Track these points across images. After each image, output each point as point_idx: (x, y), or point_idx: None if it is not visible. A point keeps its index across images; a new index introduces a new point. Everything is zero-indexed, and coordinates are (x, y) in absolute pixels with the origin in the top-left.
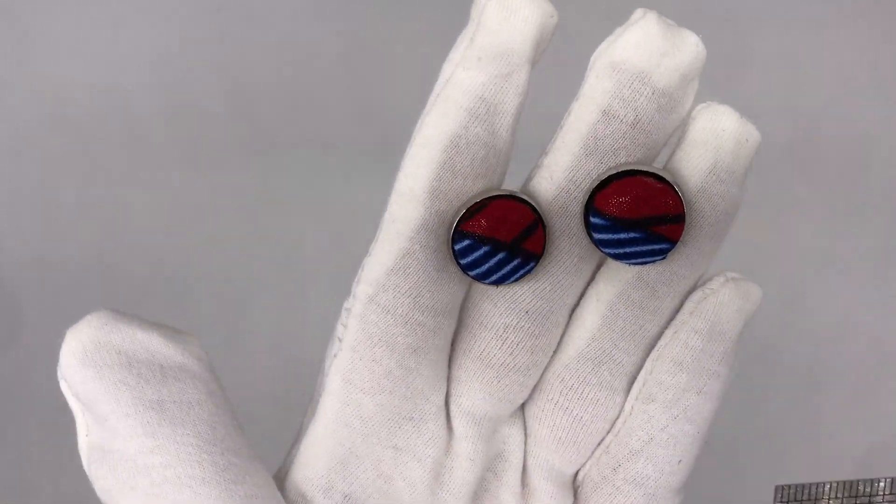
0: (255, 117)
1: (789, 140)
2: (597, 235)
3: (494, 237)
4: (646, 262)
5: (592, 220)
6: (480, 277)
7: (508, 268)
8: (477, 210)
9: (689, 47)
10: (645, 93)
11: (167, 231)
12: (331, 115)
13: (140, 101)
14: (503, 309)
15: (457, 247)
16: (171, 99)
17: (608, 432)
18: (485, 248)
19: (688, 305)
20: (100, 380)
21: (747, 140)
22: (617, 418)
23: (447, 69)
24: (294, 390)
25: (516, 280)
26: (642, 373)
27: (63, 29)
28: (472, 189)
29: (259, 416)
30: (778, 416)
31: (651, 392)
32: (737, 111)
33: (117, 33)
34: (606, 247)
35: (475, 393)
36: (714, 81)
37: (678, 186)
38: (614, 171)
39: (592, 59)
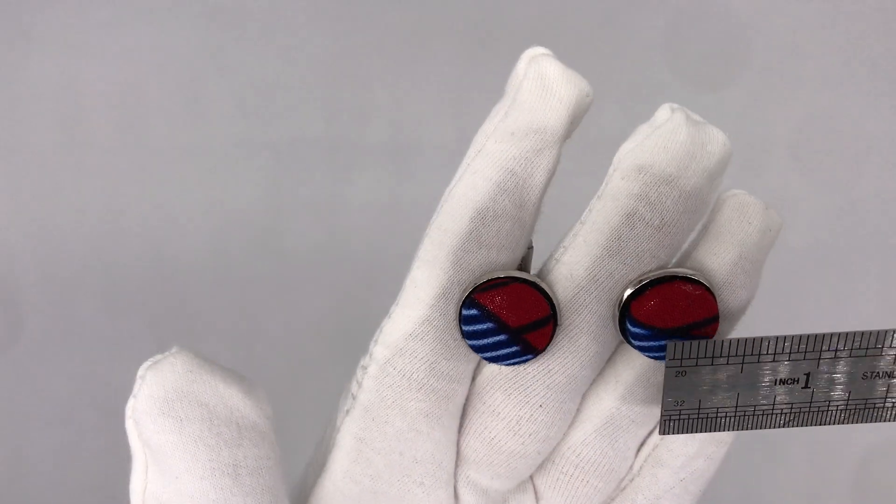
0: (256, 117)
1: (790, 140)
2: (637, 343)
3: (501, 318)
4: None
5: (632, 328)
6: (475, 349)
7: (504, 352)
8: (495, 286)
9: (716, 147)
10: (672, 196)
11: (167, 231)
12: (331, 116)
13: (140, 101)
14: (515, 401)
15: (464, 312)
16: (172, 99)
17: (619, 486)
18: (489, 325)
19: None
20: (179, 434)
21: (770, 230)
22: (625, 476)
23: (479, 140)
24: (295, 392)
25: (510, 365)
26: (653, 437)
27: (63, 29)
28: (495, 261)
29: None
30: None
31: (661, 457)
32: (761, 201)
33: (118, 33)
34: (648, 352)
35: (484, 472)
36: (713, 82)
37: (712, 288)
38: (649, 279)
39: (617, 158)
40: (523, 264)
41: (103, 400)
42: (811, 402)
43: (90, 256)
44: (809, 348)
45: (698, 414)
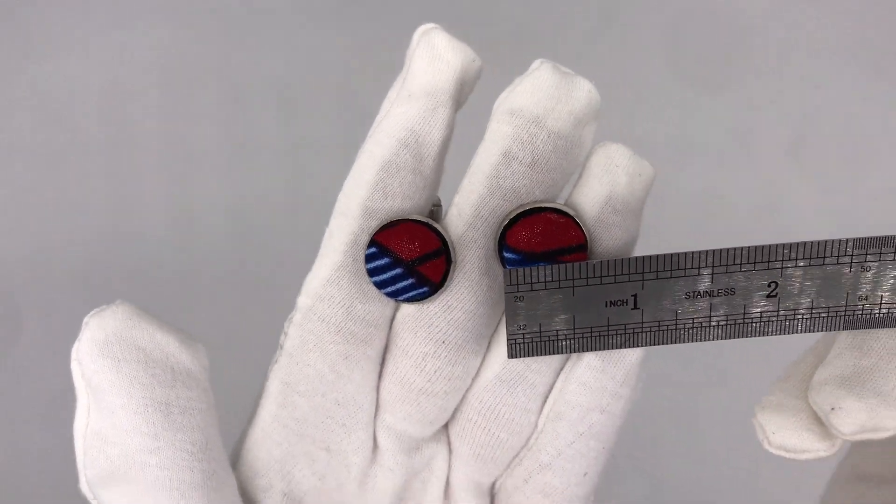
0: (255, 118)
1: (790, 140)
2: (510, 268)
3: (395, 251)
4: None
5: (506, 255)
6: (378, 285)
7: (401, 285)
8: (391, 226)
9: (581, 93)
10: (541, 136)
11: (167, 231)
12: (331, 116)
13: (140, 102)
14: (422, 338)
15: (366, 252)
16: (171, 99)
17: (523, 447)
18: (386, 259)
19: None
20: (116, 372)
21: (640, 174)
22: (531, 434)
23: (385, 106)
24: None
25: (410, 300)
26: (553, 392)
27: (64, 29)
28: (400, 209)
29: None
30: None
31: (559, 410)
32: (630, 148)
33: (117, 34)
34: None
35: (397, 412)
36: (713, 82)
37: (579, 219)
38: (521, 210)
39: (495, 106)
40: (432, 218)
41: None
42: (642, 323)
43: (90, 256)
44: (634, 270)
45: (540, 337)
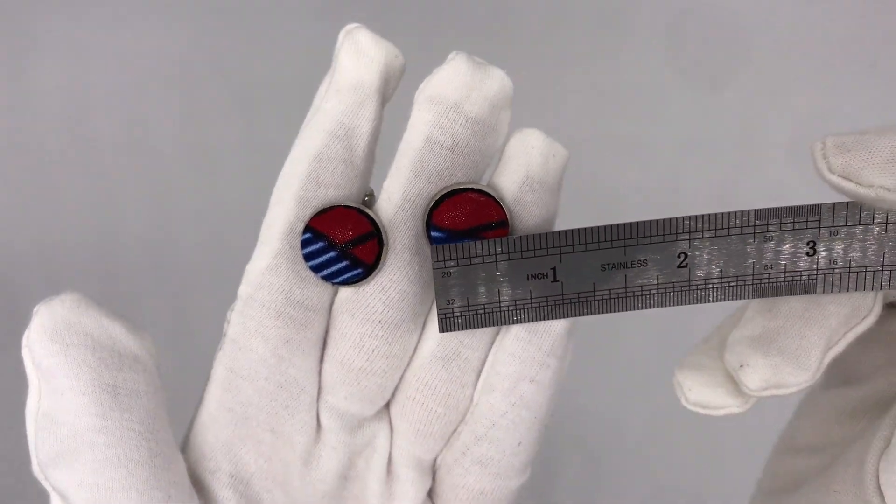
0: (256, 117)
1: (789, 140)
2: (437, 245)
3: (328, 235)
4: None
5: (433, 234)
6: (314, 269)
7: (336, 267)
8: (324, 212)
9: (494, 80)
10: (460, 121)
11: (167, 231)
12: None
13: (140, 102)
14: (359, 320)
15: (301, 237)
16: (172, 99)
17: (460, 421)
18: (320, 244)
19: None
20: (64, 356)
21: (554, 155)
22: (468, 408)
23: (315, 102)
24: None
25: (345, 282)
26: (486, 366)
27: (65, 31)
28: (333, 198)
29: None
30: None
31: (492, 382)
32: (543, 132)
33: (119, 35)
34: None
35: (338, 393)
36: (713, 82)
37: (499, 198)
38: (445, 191)
39: (416, 94)
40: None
41: None
42: (563, 295)
43: (90, 256)
44: (552, 245)
45: (468, 311)
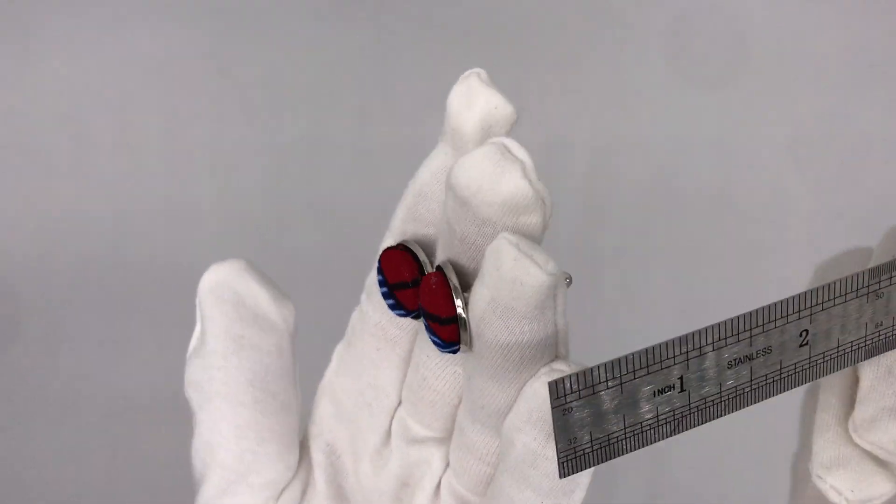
0: (256, 117)
1: (789, 140)
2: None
3: (383, 271)
4: (439, 350)
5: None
6: (382, 295)
7: (388, 302)
8: (392, 248)
9: (507, 185)
10: (467, 217)
11: (167, 231)
12: (330, 116)
13: (140, 102)
14: (419, 350)
15: (377, 264)
16: (172, 100)
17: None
18: (380, 277)
19: (524, 389)
20: (214, 308)
21: (523, 283)
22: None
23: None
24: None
25: (398, 315)
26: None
27: (64, 31)
28: (424, 234)
29: None
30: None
31: (502, 461)
32: (516, 248)
33: (118, 35)
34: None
35: (405, 408)
36: (713, 82)
37: (458, 296)
38: (436, 267)
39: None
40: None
41: (103, 400)
42: (689, 405)
43: (90, 256)
44: (676, 352)
45: (591, 447)
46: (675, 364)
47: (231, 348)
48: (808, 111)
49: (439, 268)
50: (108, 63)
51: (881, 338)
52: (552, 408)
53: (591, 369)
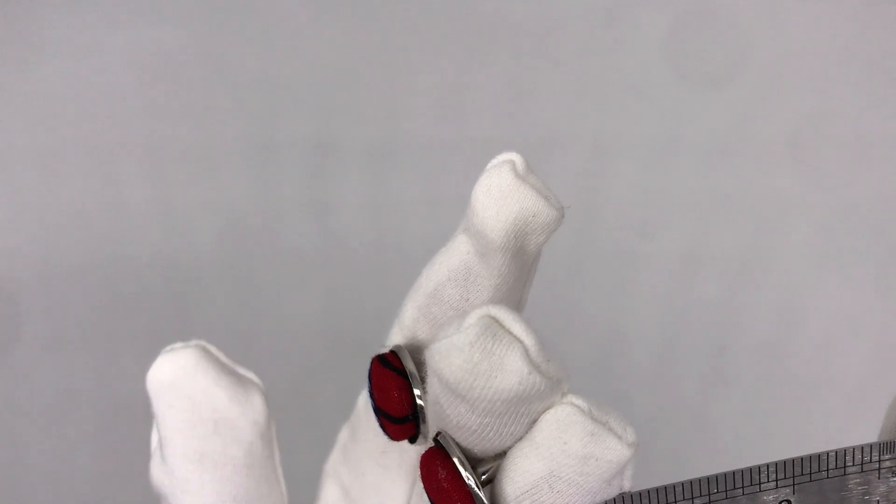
0: (255, 117)
1: (790, 140)
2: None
3: (371, 388)
4: None
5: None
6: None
7: (375, 417)
8: (386, 365)
9: (506, 381)
10: (462, 408)
11: (166, 231)
12: (328, 116)
13: (140, 102)
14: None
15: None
16: (171, 99)
17: None
18: (368, 384)
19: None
20: (164, 417)
21: (597, 458)
22: None
23: (458, 229)
24: (290, 391)
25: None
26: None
27: (63, 30)
28: (436, 337)
29: None
30: (777, 418)
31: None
32: (591, 420)
33: (118, 34)
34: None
35: None
36: (713, 81)
37: (476, 488)
38: (434, 439)
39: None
40: None
41: (103, 400)
42: None
43: (90, 256)
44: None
45: None
46: None
47: (191, 469)
48: (809, 111)
49: (435, 440)
50: (107, 63)
51: None
52: None
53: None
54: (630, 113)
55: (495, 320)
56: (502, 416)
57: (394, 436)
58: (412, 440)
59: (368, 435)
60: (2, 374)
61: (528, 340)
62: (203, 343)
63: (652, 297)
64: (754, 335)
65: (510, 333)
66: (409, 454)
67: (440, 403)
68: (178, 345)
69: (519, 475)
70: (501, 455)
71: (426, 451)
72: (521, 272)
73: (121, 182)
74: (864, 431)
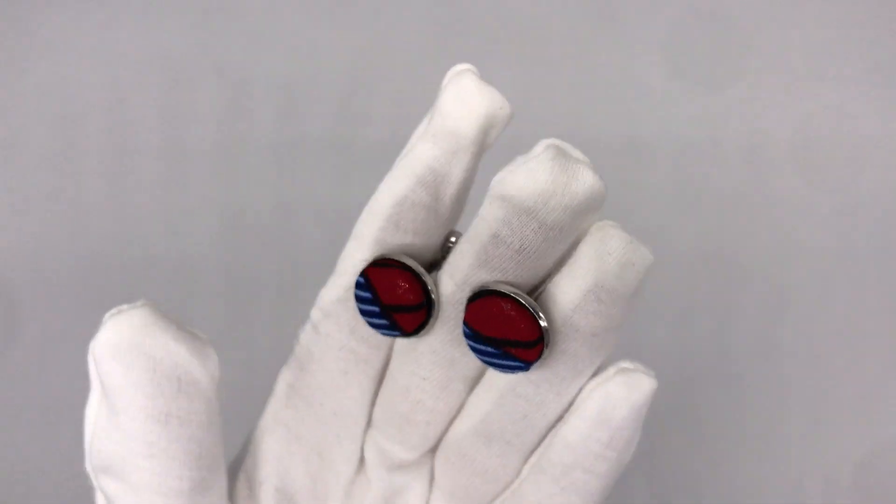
0: (256, 117)
1: (789, 140)
2: (467, 342)
3: (377, 290)
4: (508, 372)
5: (464, 327)
6: (360, 312)
7: (377, 322)
8: (384, 265)
9: (581, 186)
10: (532, 226)
11: (167, 231)
12: (331, 116)
13: (139, 101)
14: (408, 371)
15: (357, 279)
16: (171, 99)
17: (504, 489)
18: (368, 294)
19: (583, 393)
20: (124, 378)
21: (634, 264)
22: (513, 479)
23: (411, 141)
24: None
25: (388, 336)
26: (541, 446)
27: (62, 30)
28: (410, 244)
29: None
30: (779, 417)
31: (542, 465)
32: (627, 234)
33: (117, 33)
34: (475, 352)
35: (383, 432)
36: (713, 82)
37: (538, 312)
38: (481, 290)
39: (492, 184)
40: (444, 255)
41: None
42: None
43: (90, 256)
44: None
45: None
46: None
47: (155, 430)
48: (809, 111)
49: (489, 291)
50: (106, 62)
51: None
52: None
53: None
54: (630, 113)
55: (558, 147)
56: (563, 230)
57: (407, 327)
58: (421, 328)
59: (325, 360)
60: (2, 375)
61: (585, 157)
62: (150, 301)
63: (652, 297)
64: (754, 335)
65: (573, 155)
66: (374, 366)
67: (498, 234)
68: (124, 306)
69: (569, 291)
70: (536, 288)
71: (475, 303)
72: (475, 171)
73: (121, 182)
74: (865, 432)
